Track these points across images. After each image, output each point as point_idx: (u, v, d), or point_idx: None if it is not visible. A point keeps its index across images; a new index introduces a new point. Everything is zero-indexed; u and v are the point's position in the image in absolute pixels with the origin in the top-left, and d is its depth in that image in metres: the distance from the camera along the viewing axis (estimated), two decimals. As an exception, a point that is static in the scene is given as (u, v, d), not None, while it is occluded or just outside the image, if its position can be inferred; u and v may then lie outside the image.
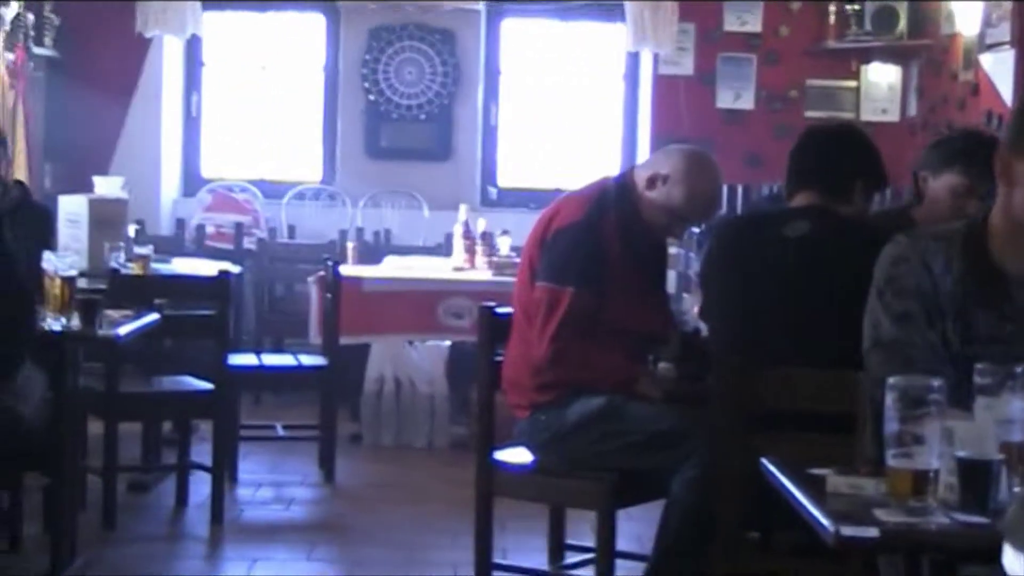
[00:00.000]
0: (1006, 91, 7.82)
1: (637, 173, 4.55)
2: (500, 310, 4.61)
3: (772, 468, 2.75)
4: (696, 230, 4.78)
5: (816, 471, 2.61)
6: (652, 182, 4.47)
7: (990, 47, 8.09)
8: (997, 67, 8.02)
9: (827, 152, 4.14)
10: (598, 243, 4.40)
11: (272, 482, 6.79)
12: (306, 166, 10.28)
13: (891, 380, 2.38)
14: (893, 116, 9.62)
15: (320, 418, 6.93)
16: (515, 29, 10.35)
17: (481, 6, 9.97)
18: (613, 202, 4.49)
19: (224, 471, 6.11)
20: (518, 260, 7.48)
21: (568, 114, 10.38)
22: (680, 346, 4.37)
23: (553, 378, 4.41)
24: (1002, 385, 2.52)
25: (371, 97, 9.98)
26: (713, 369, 3.86)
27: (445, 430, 7.71)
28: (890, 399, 2.36)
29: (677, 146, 4.64)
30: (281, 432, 7.39)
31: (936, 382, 2.36)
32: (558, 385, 4.42)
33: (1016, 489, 2.45)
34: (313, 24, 10.25)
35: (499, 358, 4.60)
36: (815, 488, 2.52)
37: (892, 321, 2.96)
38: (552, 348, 4.36)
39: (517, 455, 4.61)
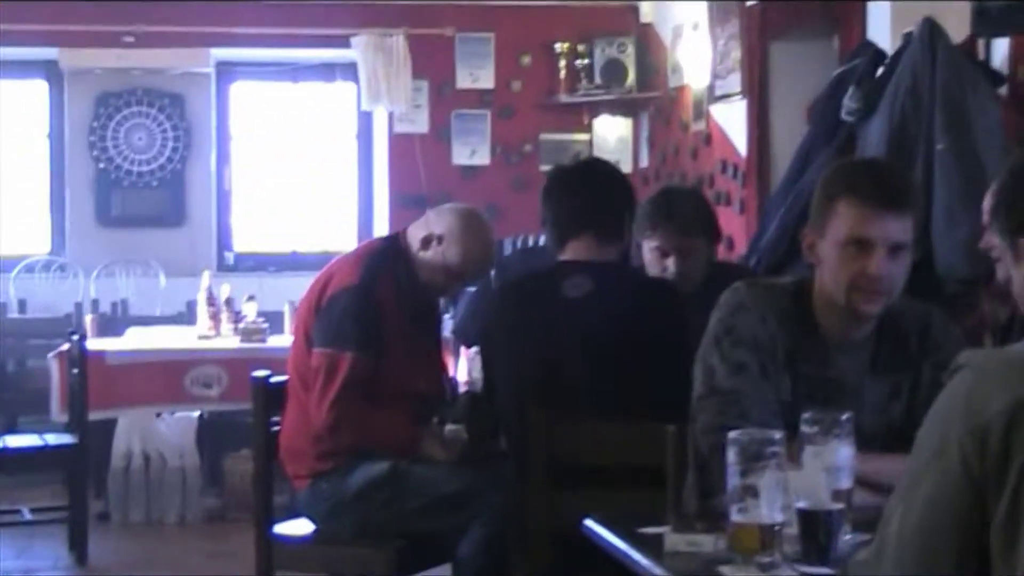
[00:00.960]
0: (739, 140, 8.02)
1: (410, 234, 4.49)
2: (273, 379, 4.47)
3: (597, 527, 2.69)
4: (470, 289, 4.69)
5: (648, 530, 2.57)
6: (427, 242, 4.42)
7: (720, 98, 8.29)
8: (728, 116, 8.22)
9: (592, 192, 3.99)
10: (374, 305, 4.31)
11: (20, 569, 6.48)
12: (33, 237, 9.89)
13: (731, 435, 2.35)
14: (626, 167, 9.72)
15: (70, 498, 6.65)
16: (245, 91, 10.21)
17: (211, 69, 9.79)
18: (387, 263, 4.42)
19: (-31, 562, 5.80)
20: (266, 325, 7.38)
21: (303, 176, 10.26)
22: (469, 407, 4.27)
23: (334, 445, 4.31)
24: (828, 432, 2.54)
25: (100, 164, 9.70)
26: (509, 428, 3.81)
27: (198, 503, 7.48)
28: (731, 454, 2.33)
29: (449, 206, 4.59)
30: (28, 516, 7.05)
31: (776, 435, 2.34)
32: (339, 452, 4.32)
33: (847, 536, 2.45)
34: (35, 90, 9.90)
35: (275, 428, 4.46)
36: (651, 548, 2.48)
37: (729, 370, 2.95)
38: (332, 414, 4.24)
39: (296, 527, 4.46)
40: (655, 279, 4.18)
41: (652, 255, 4.36)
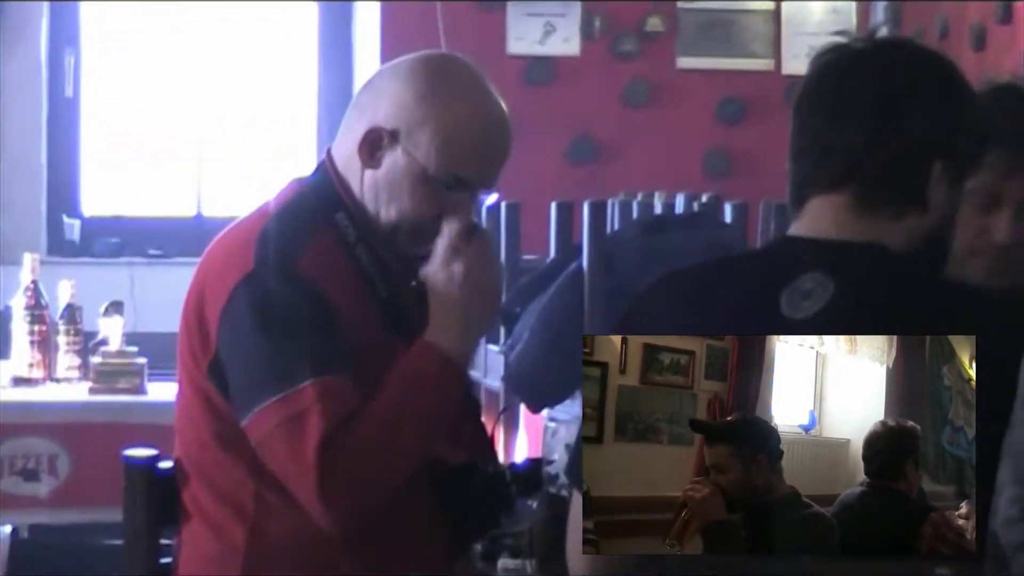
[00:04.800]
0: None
1: (338, 155, 3.09)
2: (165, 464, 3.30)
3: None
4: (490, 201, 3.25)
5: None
6: (373, 150, 3.00)
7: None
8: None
9: (859, 108, 2.52)
10: (305, 292, 2.97)
11: None
12: None
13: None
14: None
15: None
16: None
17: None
18: (309, 225, 3.07)
19: None
20: (142, 361, 5.67)
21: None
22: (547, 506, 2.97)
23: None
24: None
25: None
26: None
27: None
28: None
29: (389, 66, 3.10)
30: None
31: None
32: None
33: None
34: None
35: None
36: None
37: None
38: (331, 487, 2.84)
39: None
40: (959, 287, 2.79)
41: (969, 209, 2.95)
